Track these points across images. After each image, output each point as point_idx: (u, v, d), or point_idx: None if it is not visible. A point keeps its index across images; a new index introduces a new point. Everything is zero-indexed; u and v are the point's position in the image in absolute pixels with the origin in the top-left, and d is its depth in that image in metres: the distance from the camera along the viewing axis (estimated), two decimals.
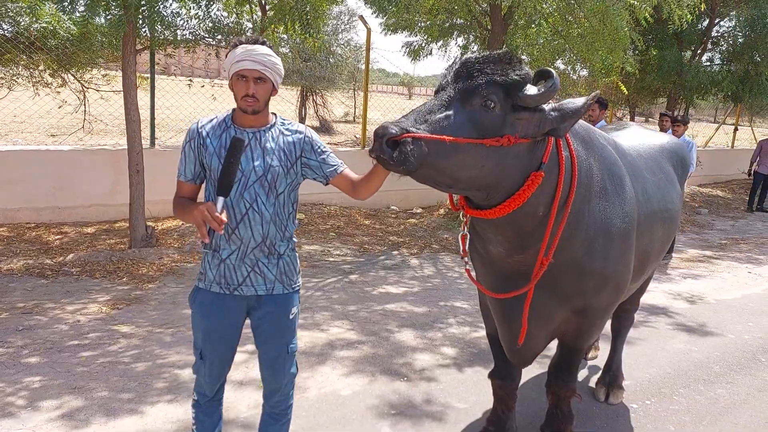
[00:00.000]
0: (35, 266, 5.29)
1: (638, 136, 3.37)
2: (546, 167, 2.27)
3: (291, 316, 2.46)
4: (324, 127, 17.31)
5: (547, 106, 2.21)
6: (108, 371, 3.59)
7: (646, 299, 5.57)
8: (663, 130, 7.16)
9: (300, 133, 2.41)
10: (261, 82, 2.25)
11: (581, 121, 2.64)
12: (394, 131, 1.95)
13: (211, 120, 2.39)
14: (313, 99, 19.41)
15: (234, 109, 2.37)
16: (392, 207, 8.86)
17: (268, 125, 2.37)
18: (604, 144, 2.77)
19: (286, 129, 2.40)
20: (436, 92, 2.23)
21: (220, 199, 2.20)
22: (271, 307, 2.40)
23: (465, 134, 2.07)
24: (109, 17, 5.56)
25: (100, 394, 3.33)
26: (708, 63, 11.16)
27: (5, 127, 11.03)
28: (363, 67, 9.63)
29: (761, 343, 4.70)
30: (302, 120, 16.05)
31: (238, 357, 3.16)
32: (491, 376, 3.03)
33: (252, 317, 2.44)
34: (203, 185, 2.41)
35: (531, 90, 2.16)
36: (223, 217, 2.17)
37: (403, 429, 3.21)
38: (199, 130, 2.35)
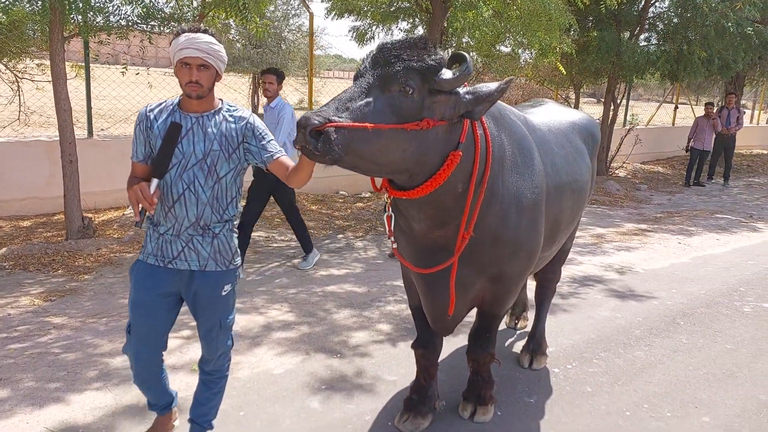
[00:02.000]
0: None
1: (551, 113, 3.51)
2: (463, 146, 2.38)
3: (224, 293, 2.54)
4: None
5: (462, 90, 2.30)
6: (36, 362, 3.55)
7: (577, 271, 5.81)
8: None
9: (243, 119, 2.49)
10: (204, 69, 2.36)
11: None
12: (316, 121, 1.99)
13: (160, 104, 2.50)
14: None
15: (182, 95, 2.44)
16: (341, 192, 8.90)
17: (213, 110, 2.46)
18: (514, 120, 2.89)
19: (231, 115, 2.49)
20: (355, 78, 2.27)
21: (155, 181, 2.32)
22: (203, 282, 2.49)
23: (386, 120, 2.13)
24: (33, 4, 5.39)
25: (26, 384, 3.30)
26: (645, 43, 11.49)
27: None
28: (315, 52, 9.59)
29: (681, 308, 4.96)
30: (255, 108, 15.81)
31: (172, 342, 3.19)
32: (414, 346, 3.14)
33: (186, 294, 2.52)
34: None
35: (446, 74, 2.24)
36: (155, 198, 2.28)
37: (333, 402, 3.30)
38: (147, 114, 2.46)
